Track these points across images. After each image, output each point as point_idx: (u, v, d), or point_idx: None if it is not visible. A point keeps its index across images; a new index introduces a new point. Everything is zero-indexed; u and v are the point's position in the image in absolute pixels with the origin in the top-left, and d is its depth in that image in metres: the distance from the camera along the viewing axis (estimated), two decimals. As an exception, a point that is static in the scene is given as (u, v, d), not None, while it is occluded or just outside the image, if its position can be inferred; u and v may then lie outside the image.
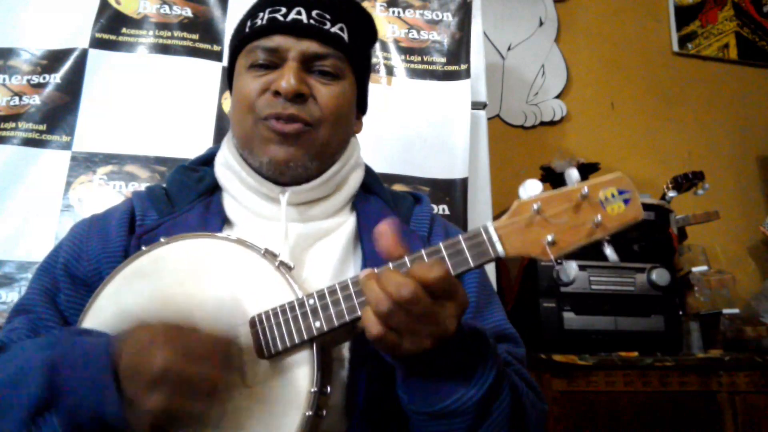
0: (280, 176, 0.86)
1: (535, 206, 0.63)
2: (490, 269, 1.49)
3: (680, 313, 1.74)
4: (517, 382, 0.75)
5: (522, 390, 0.75)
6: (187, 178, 0.95)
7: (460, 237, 0.65)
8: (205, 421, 0.65)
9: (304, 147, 0.85)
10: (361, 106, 0.99)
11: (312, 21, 0.86)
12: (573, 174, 0.66)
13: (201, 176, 0.95)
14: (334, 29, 0.87)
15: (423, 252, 0.64)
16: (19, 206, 1.39)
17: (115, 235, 0.85)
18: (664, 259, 1.70)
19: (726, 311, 1.83)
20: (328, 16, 0.87)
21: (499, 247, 0.64)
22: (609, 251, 0.65)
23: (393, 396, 0.72)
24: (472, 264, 0.64)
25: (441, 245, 0.64)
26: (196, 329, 0.63)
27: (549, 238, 0.63)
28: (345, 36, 0.88)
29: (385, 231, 0.64)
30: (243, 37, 0.89)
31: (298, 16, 0.86)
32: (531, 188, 0.65)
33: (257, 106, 0.85)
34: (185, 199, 0.91)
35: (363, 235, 0.88)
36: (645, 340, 1.63)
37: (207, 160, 0.99)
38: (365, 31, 0.95)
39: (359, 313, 0.65)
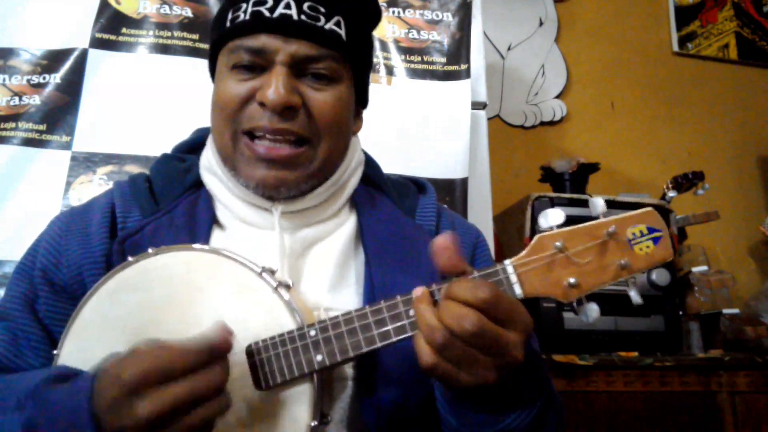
0: (270, 197, 0.79)
1: (558, 244, 0.59)
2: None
3: (680, 313, 1.74)
4: (556, 396, 0.71)
5: (558, 402, 0.72)
6: (172, 168, 0.87)
7: (477, 274, 0.60)
8: None
9: (298, 168, 0.77)
10: (362, 101, 0.89)
11: (303, 17, 0.74)
12: (598, 204, 0.61)
13: (187, 167, 0.87)
14: (330, 25, 0.76)
15: (434, 286, 0.60)
16: (19, 206, 1.38)
17: (96, 238, 0.77)
18: (664, 259, 1.70)
19: (726, 311, 1.83)
20: (322, 9, 0.76)
21: (518, 289, 0.60)
22: (633, 293, 0.62)
23: (403, 415, 0.69)
24: None
25: (454, 281, 0.59)
26: (164, 346, 0.56)
27: (571, 280, 0.59)
28: (342, 32, 0.77)
29: (446, 246, 0.59)
30: (224, 33, 0.78)
31: (287, 11, 0.74)
32: (553, 218, 0.61)
33: (240, 117, 0.76)
34: (171, 193, 0.83)
35: (365, 235, 0.81)
36: (645, 340, 1.63)
37: (193, 147, 0.91)
38: (366, 15, 0.83)
39: (364, 349, 0.62)
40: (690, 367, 1.58)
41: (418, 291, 0.59)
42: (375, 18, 0.87)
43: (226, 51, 0.78)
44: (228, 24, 0.78)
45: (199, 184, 0.85)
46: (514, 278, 0.60)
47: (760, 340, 1.75)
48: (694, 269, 1.90)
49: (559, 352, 1.52)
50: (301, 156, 0.76)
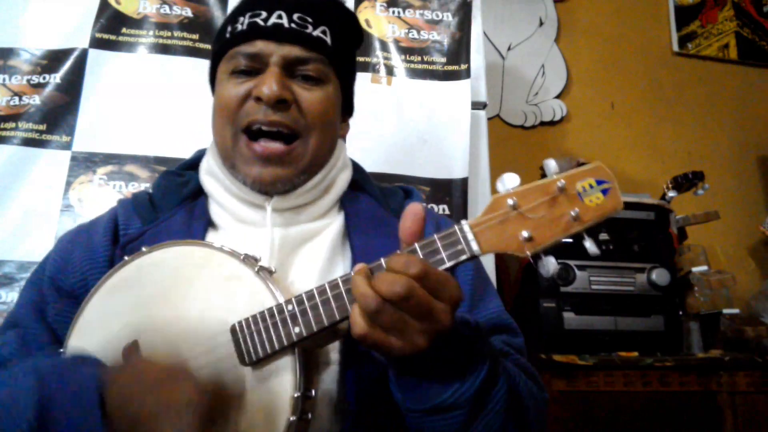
0: (265, 192, 0.86)
1: (511, 201, 0.62)
2: (490, 267, 1.48)
3: (680, 313, 1.74)
4: (513, 373, 0.74)
5: (519, 380, 0.75)
6: (171, 182, 0.94)
7: (435, 236, 0.64)
8: None
9: (291, 165, 0.84)
10: (348, 109, 0.98)
11: (293, 25, 0.84)
12: (551, 165, 0.64)
13: (185, 181, 0.94)
14: (317, 33, 0.86)
15: (399, 252, 0.64)
16: (19, 206, 1.39)
17: (99, 245, 0.85)
18: (664, 259, 1.70)
19: (726, 311, 1.83)
20: (309, 20, 0.86)
21: (474, 246, 0.63)
22: (588, 244, 0.63)
23: (385, 395, 0.71)
24: (447, 263, 0.63)
25: (416, 245, 0.64)
26: (185, 373, 0.63)
27: (525, 234, 0.61)
28: (328, 39, 0.87)
29: (418, 213, 0.63)
30: (224, 43, 0.88)
31: (279, 21, 0.84)
32: (509, 182, 0.64)
33: (238, 115, 0.84)
34: (169, 204, 0.90)
35: (351, 233, 0.87)
36: (645, 340, 1.63)
37: (193, 165, 0.98)
38: (349, 33, 0.94)
39: (337, 317, 0.65)
40: (690, 367, 1.58)
41: (358, 266, 0.63)
42: (357, 38, 0.97)
43: (225, 59, 0.88)
44: (228, 36, 0.88)
45: (195, 195, 0.92)
46: (470, 236, 0.63)
47: (760, 340, 1.75)
48: (694, 269, 1.90)
49: (559, 352, 1.52)
50: (293, 152, 0.84)
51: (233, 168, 0.86)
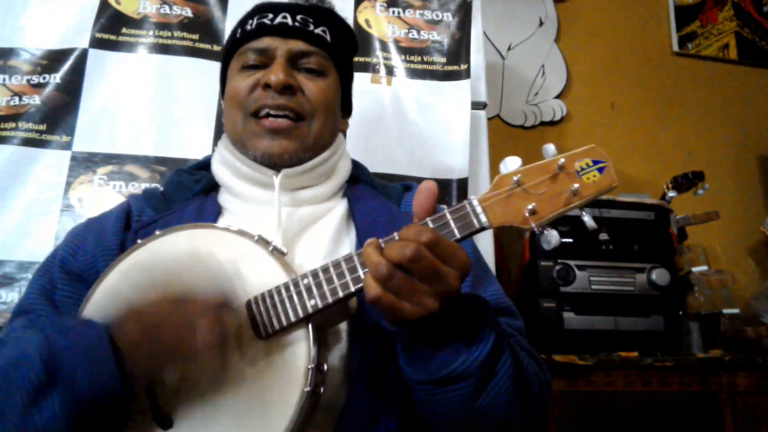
0: (273, 166, 0.90)
1: (516, 178, 0.66)
2: (490, 267, 1.48)
3: (680, 313, 1.74)
4: (517, 350, 0.77)
5: (523, 358, 0.77)
6: (184, 179, 0.99)
7: (446, 211, 0.67)
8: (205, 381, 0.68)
9: (297, 139, 0.90)
10: (346, 108, 1.05)
11: (297, 23, 0.93)
12: (549, 148, 0.69)
13: (198, 179, 0.98)
14: (318, 30, 0.94)
15: (383, 239, 0.66)
16: (19, 206, 1.39)
17: (111, 231, 0.88)
18: (664, 259, 1.70)
19: (726, 311, 1.83)
20: (311, 20, 0.95)
21: (483, 218, 0.66)
22: (587, 218, 0.68)
23: (389, 364, 0.74)
24: (458, 235, 0.66)
25: (428, 219, 0.67)
26: (194, 293, 0.66)
27: (529, 207, 0.66)
28: (328, 37, 0.95)
29: (432, 188, 0.67)
30: (234, 42, 0.96)
31: (284, 20, 0.93)
32: (511, 164, 0.68)
33: (247, 102, 0.90)
34: (181, 198, 0.94)
35: (355, 215, 0.91)
36: (645, 340, 1.63)
37: (204, 166, 1.02)
38: (346, 39, 1.01)
39: (352, 289, 0.67)
40: (690, 367, 1.58)
41: (369, 239, 0.66)
42: (353, 45, 1.04)
43: (235, 57, 0.96)
44: (238, 36, 0.96)
45: (207, 191, 0.96)
46: (479, 209, 0.67)
47: (760, 340, 1.75)
48: (694, 269, 1.90)
49: (559, 352, 1.52)
50: (299, 128, 0.91)
51: (244, 147, 0.91)
